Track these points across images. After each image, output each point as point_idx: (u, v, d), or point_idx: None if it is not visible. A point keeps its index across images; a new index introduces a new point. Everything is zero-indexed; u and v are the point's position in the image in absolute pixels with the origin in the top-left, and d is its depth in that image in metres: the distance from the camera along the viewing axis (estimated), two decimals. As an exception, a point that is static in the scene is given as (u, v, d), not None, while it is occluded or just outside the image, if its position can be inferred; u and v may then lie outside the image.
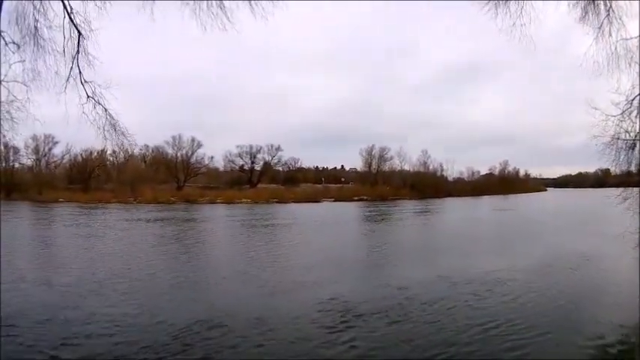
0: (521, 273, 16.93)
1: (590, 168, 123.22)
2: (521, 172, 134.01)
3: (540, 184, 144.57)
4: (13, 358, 9.16)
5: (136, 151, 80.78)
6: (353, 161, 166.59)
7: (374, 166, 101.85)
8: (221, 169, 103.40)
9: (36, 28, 7.95)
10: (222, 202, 72.93)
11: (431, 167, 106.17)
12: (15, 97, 7.87)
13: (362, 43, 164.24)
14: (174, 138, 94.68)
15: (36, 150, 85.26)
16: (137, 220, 42.08)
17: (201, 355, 9.32)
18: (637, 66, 9.60)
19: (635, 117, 10.24)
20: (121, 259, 20.87)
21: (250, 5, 8.15)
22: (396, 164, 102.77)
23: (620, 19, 9.38)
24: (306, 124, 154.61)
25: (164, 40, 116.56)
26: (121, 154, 79.43)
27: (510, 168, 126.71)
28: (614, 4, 9.38)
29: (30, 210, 54.02)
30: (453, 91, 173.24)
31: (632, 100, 9.95)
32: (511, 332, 10.45)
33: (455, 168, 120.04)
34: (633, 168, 11.11)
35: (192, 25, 8.08)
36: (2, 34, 7.56)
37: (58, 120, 8.83)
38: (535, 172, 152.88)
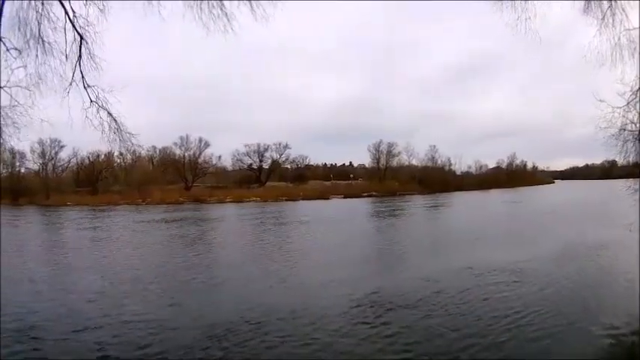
0: (543, 263, 16.93)
1: (597, 160, 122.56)
2: (529, 165, 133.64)
3: (548, 177, 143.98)
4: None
5: (143, 152, 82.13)
6: (361, 157, 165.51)
7: (382, 161, 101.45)
8: (229, 168, 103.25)
9: (39, 31, 7.84)
10: (231, 201, 72.69)
11: (439, 162, 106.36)
12: (17, 102, 7.82)
13: (367, 40, 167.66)
14: (181, 138, 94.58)
15: (42, 154, 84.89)
16: (150, 221, 41.83)
17: (249, 354, 9.26)
18: (640, 56, 9.49)
19: (640, 108, 10.12)
20: (145, 260, 20.73)
21: (251, 6, 8.06)
22: (404, 159, 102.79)
23: (622, 10, 9.29)
24: (313, 121, 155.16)
25: (167, 42, 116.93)
26: (128, 156, 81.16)
27: (518, 161, 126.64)
28: (616, -5, 9.35)
29: (39, 214, 53.81)
30: (459, 86, 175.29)
31: (637, 90, 9.78)
32: (541, 321, 10.52)
33: (463, 162, 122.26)
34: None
35: (195, 26, 8.02)
36: (3, 40, 7.50)
37: (64, 124, 8.83)
38: (542, 164, 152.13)
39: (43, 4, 7.74)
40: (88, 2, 7.94)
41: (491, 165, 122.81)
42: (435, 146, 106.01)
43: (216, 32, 8.06)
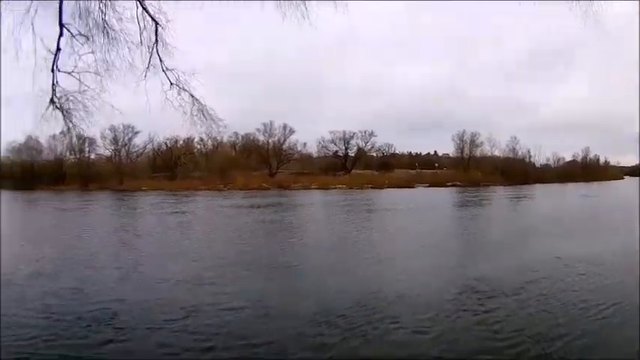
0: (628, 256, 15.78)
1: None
2: (601, 160, 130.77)
3: (619, 172, 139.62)
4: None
5: (225, 138, 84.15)
6: (445, 147, 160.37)
7: (466, 151, 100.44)
8: (314, 155, 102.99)
9: (104, 21, 7.69)
10: (316, 188, 72.21)
11: (519, 153, 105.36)
12: (88, 86, 7.83)
13: (448, 30, 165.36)
14: (265, 125, 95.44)
15: (115, 140, 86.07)
16: (236, 206, 41.06)
17: (364, 339, 8.42)
18: None
19: None
20: (237, 245, 19.49)
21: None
22: (487, 150, 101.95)
23: None
24: (398, 110, 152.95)
25: (243, 28, 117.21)
26: (209, 142, 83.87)
27: (592, 155, 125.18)
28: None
29: (115, 199, 53.13)
30: (536, 77, 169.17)
31: None
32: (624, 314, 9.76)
33: (541, 154, 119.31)
34: None
35: (271, 12, 7.88)
36: (66, 26, 7.44)
37: (138, 110, 9.15)
38: (612, 159, 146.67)
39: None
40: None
41: (568, 158, 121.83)
42: (515, 137, 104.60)
43: (294, 20, 7.72)
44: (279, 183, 75.72)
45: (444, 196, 56.32)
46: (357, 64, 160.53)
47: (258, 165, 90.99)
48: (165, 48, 8.18)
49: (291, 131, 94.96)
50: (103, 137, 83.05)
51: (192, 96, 8.47)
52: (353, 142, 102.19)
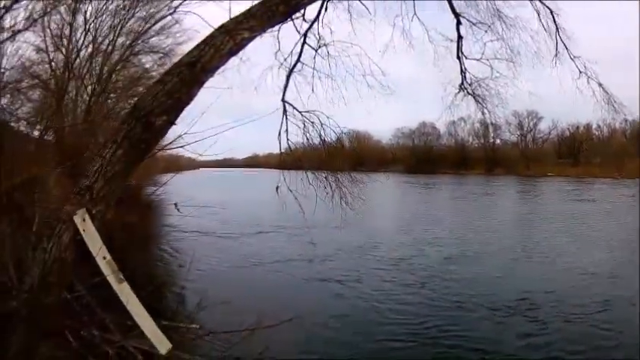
0: None
1: None
2: None
3: None
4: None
5: (617, 124, 74.34)
6: None
7: None
8: None
9: (497, 8, 7.75)
10: None
11: None
12: (500, 73, 8.08)
13: None
14: None
15: (520, 126, 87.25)
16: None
17: None
18: None
19: None
20: None
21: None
22: None
23: None
24: None
25: None
26: (605, 129, 78.65)
27: None
28: None
29: (524, 184, 54.44)
30: None
31: None
32: None
33: None
34: None
35: None
36: (463, 15, 7.77)
37: (542, 96, 9.18)
38: None
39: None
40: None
41: None
42: None
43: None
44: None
45: None
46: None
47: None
48: (566, 35, 7.97)
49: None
50: (508, 123, 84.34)
51: (601, 85, 8.18)
52: None
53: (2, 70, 15.15)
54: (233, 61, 4.28)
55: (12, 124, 13.76)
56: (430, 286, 11.80)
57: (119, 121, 4.66)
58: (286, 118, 7.84)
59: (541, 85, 8.79)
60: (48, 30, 16.61)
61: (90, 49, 18.85)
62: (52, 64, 16.77)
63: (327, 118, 8.07)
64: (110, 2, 18.50)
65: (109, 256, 3.62)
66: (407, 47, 8.31)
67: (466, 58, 8.24)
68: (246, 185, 51.75)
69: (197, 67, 3.83)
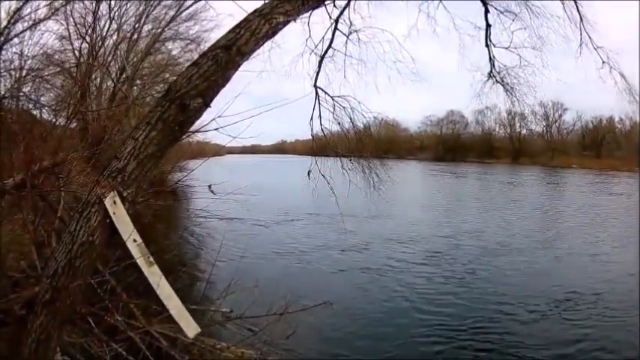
0: None
1: None
2: None
3: None
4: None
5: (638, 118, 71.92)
6: None
7: None
8: None
9: None
10: None
11: None
12: (528, 61, 8.08)
13: None
14: None
15: (545, 116, 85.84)
16: None
17: None
18: None
19: None
20: None
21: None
22: None
23: None
24: None
25: None
26: (627, 122, 77.15)
27: None
28: None
29: (549, 175, 54.18)
30: None
31: None
32: None
33: None
34: None
35: None
36: (490, 4, 7.77)
37: (568, 86, 9.11)
38: None
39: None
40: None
41: None
42: None
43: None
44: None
45: None
46: None
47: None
48: (590, 25, 7.86)
49: None
50: (533, 113, 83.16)
51: (622, 75, 8.11)
52: None
53: (24, 58, 15.52)
54: (263, 46, 4.25)
55: (35, 111, 14.00)
56: (469, 279, 11.88)
57: (145, 107, 4.65)
58: (319, 103, 7.86)
59: (567, 76, 8.67)
60: (71, 18, 16.81)
61: (115, 37, 19.05)
62: (76, 52, 17.00)
63: (359, 103, 8.03)
64: (135, -10, 18.66)
65: (139, 240, 3.61)
66: (432, 34, 8.18)
67: (494, 46, 8.23)
68: (276, 171, 52.02)
69: (233, 50, 3.82)
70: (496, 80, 8.46)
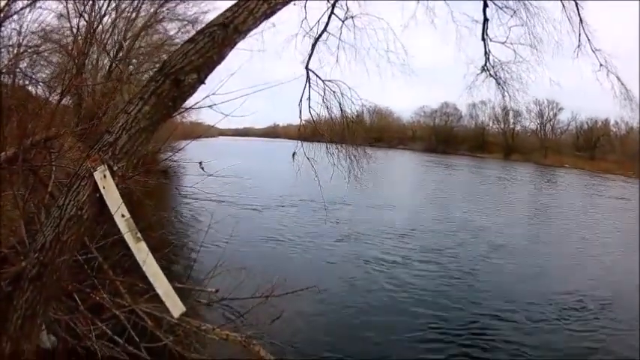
0: None
1: None
2: None
3: None
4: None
5: (635, 124, 72.56)
6: None
7: None
8: None
9: None
10: None
11: None
12: (523, 58, 8.13)
13: None
14: None
15: (540, 114, 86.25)
16: None
17: None
18: None
19: None
20: None
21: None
22: None
23: None
24: None
25: None
26: (622, 126, 76.87)
27: None
28: None
29: (541, 173, 54.78)
30: None
31: None
32: None
33: None
34: None
35: None
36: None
37: (563, 87, 8.96)
38: None
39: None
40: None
41: None
42: None
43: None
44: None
45: None
46: None
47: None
48: (589, 27, 7.95)
49: None
50: (528, 110, 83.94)
51: (619, 79, 8.21)
52: None
53: (23, 35, 15.50)
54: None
55: (31, 87, 13.94)
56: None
57: (139, 86, 4.59)
58: (309, 85, 7.99)
59: (562, 76, 8.84)
60: (69, -4, 16.63)
61: (113, 16, 18.88)
62: (74, 29, 16.86)
63: (349, 89, 8.15)
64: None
65: (127, 215, 3.56)
66: (429, 25, 8.43)
67: (490, 40, 8.29)
68: (267, 155, 52.11)
69: (230, 28, 3.78)
70: (489, 74, 8.52)
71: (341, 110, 8.21)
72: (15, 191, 5.35)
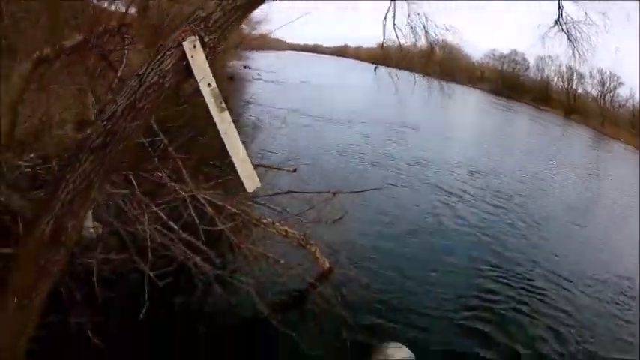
0: None
1: None
2: None
3: None
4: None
5: None
6: None
7: None
8: None
9: None
10: None
11: None
12: (593, 21, 7.69)
13: None
14: None
15: (602, 82, 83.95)
16: None
17: None
18: None
19: None
20: None
21: None
22: None
23: None
24: None
25: None
26: None
27: None
28: None
29: (596, 140, 55.57)
30: None
31: None
32: None
33: None
34: None
35: None
36: None
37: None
38: None
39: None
40: None
41: None
42: None
43: None
44: None
45: None
46: None
47: None
48: None
49: None
50: (592, 76, 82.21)
51: None
52: None
53: None
54: None
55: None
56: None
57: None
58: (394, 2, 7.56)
59: (624, 52, 8.25)
60: None
61: None
62: None
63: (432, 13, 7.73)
64: None
65: (214, 84, 3.53)
66: None
67: None
68: (340, 72, 51.43)
69: None
70: (562, 29, 8.20)
71: (425, 32, 7.90)
72: (83, 76, 5.35)
